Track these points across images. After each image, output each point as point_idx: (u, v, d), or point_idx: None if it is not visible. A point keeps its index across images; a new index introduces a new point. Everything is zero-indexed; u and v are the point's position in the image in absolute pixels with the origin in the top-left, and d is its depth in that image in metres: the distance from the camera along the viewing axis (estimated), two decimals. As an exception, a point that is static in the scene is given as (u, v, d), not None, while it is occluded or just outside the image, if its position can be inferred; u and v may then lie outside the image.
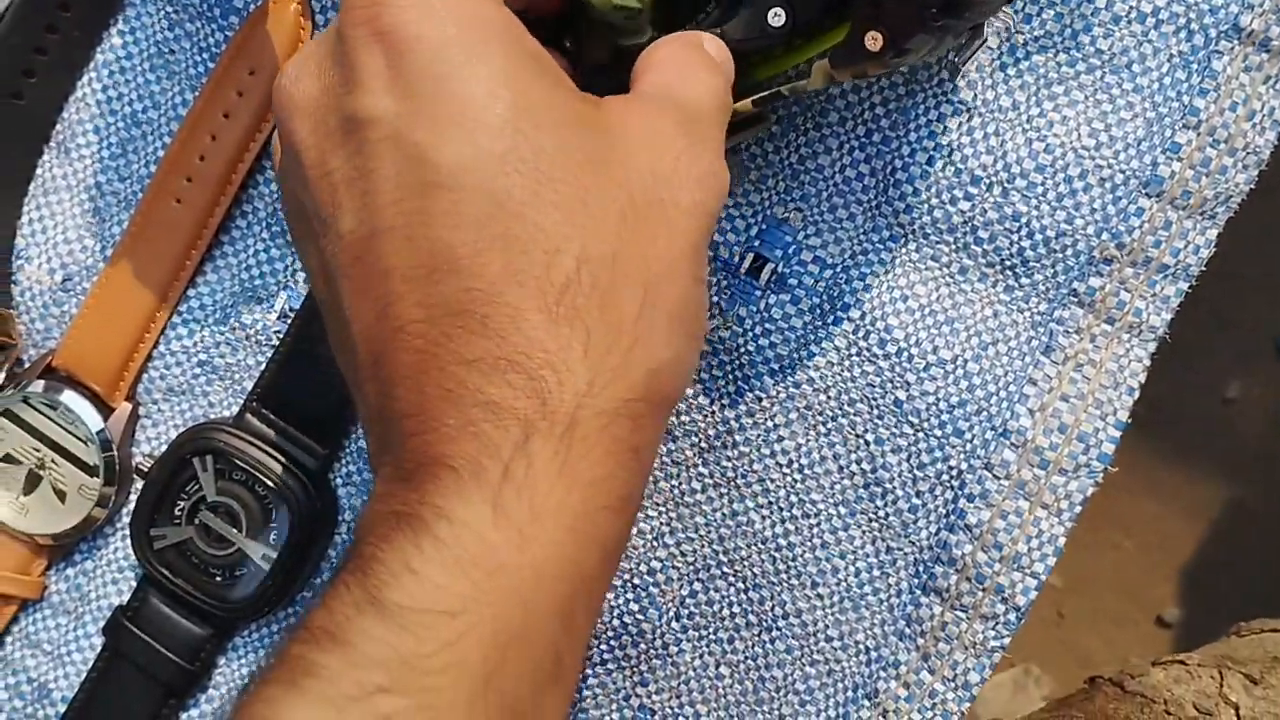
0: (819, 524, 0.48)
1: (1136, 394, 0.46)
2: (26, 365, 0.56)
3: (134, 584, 0.55)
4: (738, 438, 0.49)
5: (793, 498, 0.49)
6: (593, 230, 0.35)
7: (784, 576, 0.49)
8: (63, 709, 0.55)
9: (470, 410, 0.34)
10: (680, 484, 0.50)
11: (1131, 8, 0.45)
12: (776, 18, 0.41)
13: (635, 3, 0.40)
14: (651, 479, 0.50)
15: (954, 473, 0.47)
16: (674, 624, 0.50)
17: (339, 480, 0.54)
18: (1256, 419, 1.06)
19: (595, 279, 0.35)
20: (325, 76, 0.37)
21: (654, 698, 0.51)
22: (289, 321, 0.54)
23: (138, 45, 0.54)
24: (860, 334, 0.47)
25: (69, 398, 0.54)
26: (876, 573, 0.48)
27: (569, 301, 0.34)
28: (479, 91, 0.35)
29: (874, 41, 0.39)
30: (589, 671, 0.51)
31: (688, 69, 0.40)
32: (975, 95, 0.46)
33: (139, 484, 0.56)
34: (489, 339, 0.34)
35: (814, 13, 0.41)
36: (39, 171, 0.56)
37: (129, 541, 0.54)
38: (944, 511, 0.47)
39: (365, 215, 0.35)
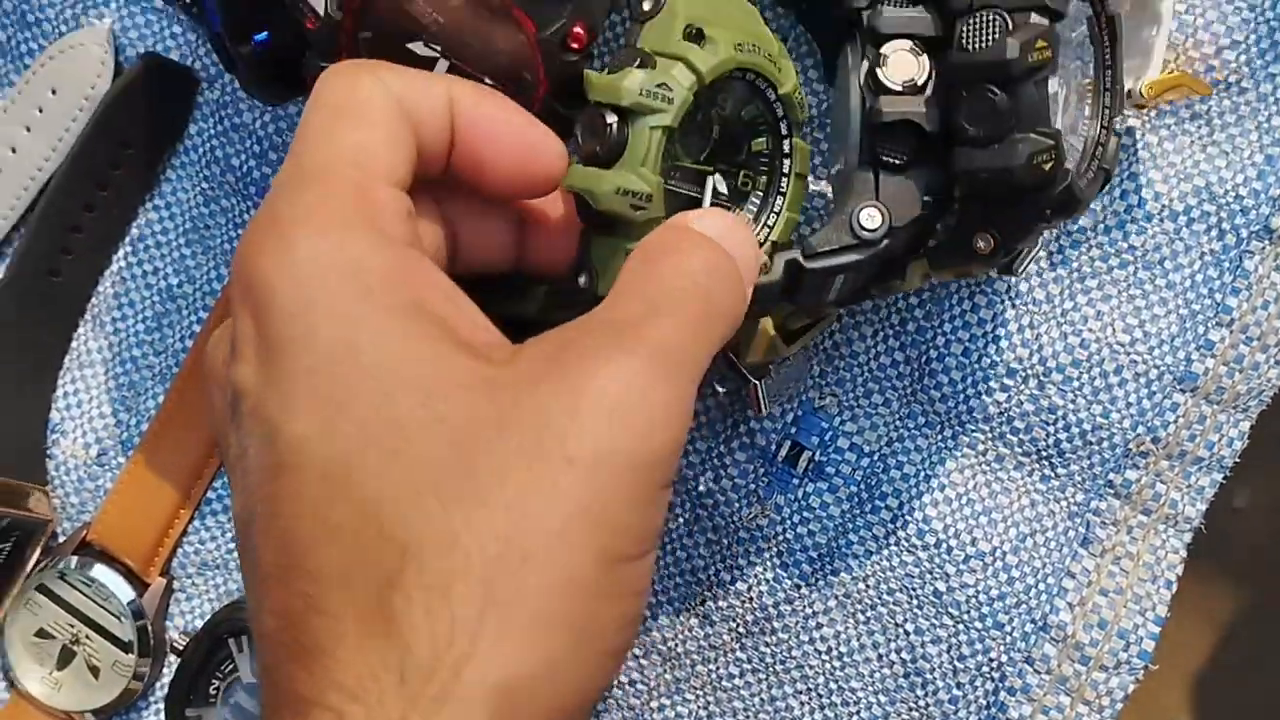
0: (858, 712, 0.49)
1: (1174, 587, 0.46)
2: (61, 540, 0.56)
3: (168, 760, 0.55)
4: (776, 624, 0.49)
5: (832, 685, 0.49)
6: (438, 506, 0.29)
7: (823, 760, 0.49)
8: None
9: None
10: (718, 668, 0.50)
11: (1164, 206, 0.45)
12: (871, 219, 0.38)
13: (644, 186, 0.35)
14: (689, 663, 0.50)
15: (994, 665, 0.47)
16: (712, 806, 0.50)
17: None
18: (1265, 527, 1.07)
19: (424, 571, 0.28)
20: (225, 343, 0.34)
21: None
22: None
23: (173, 220, 0.55)
24: (899, 523, 0.48)
25: (103, 573, 0.54)
26: (916, 758, 0.48)
27: (387, 608, 0.28)
28: (329, 354, 0.30)
29: (985, 244, 0.38)
30: None
31: (664, 259, 0.34)
32: (1010, 287, 0.47)
33: (172, 657, 0.56)
34: (309, 666, 0.29)
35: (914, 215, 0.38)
36: (74, 346, 0.56)
37: (164, 718, 0.54)
38: (985, 704, 0.47)
39: (243, 500, 0.32)
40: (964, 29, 0.36)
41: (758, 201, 0.39)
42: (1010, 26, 0.36)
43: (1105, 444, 0.46)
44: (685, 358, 0.31)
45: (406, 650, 0.28)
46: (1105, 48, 0.38)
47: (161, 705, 0.55)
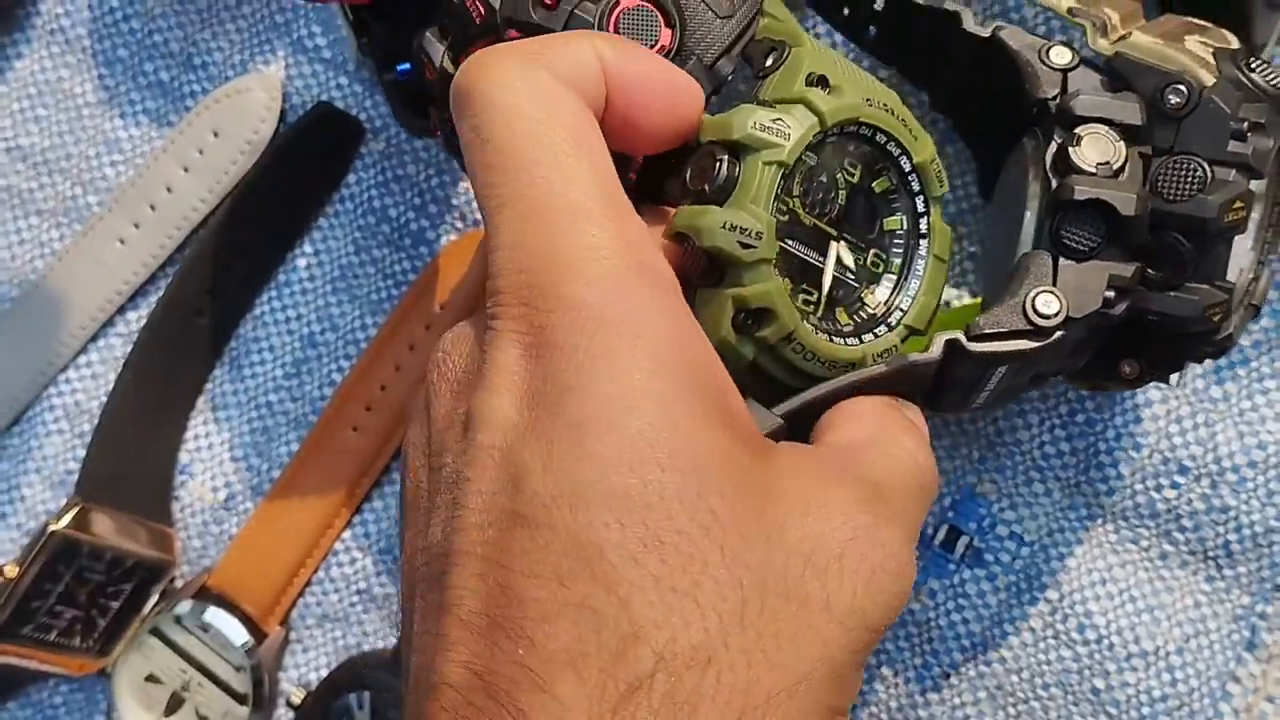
0: (1009, 811, 0.47)
1: (1343, 698, 0.45)
2: (181, 584, 0.55)
3: (273, 818, 0.53)
4: (922, 713, 0.48)
5: (980, 780, 0.47)
6: (694, 618, 0.27)
7: None
8: None
9: None
10: (861, 756, 0.49)
11: (1351, 313, 0.45)
12: (1048, 305, 0.35)
13: (754, 222, 0.32)
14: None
15: (1156, 769, 0.45)
16: None
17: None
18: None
19: (673, 688, 0.27)
20: (467, 358, 0.32)
21: None
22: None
23: (322, 267, 0.55)
24: (1058, 616, 0.47)
25: (222, 620, 0.53)
26: None
27: (625, 713, 0.27)
28: (607, 414, 0.28)
29: (1131, 370, 0.37)
30: None
31: (886, 431, 0.33)
32: (1184, 382, 0.46)
33: (282, 710, 0.54)
34: None
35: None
36: (209, 387, 0.56)
37: (272, 773, 0.53)
38: (1145, 809, 0.45)
39: (450, 530, 0.30)
40: (1163, 172, 0.36)
41: (891, 283, 0.37)
42: (1210, 178, 0.35)
43: (1276, 548, 0.45)
44: (914, 535, 0.32)
45: None
46: (1279, 188, 0.38)
47: (269, 761, 0.54)
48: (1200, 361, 0.37)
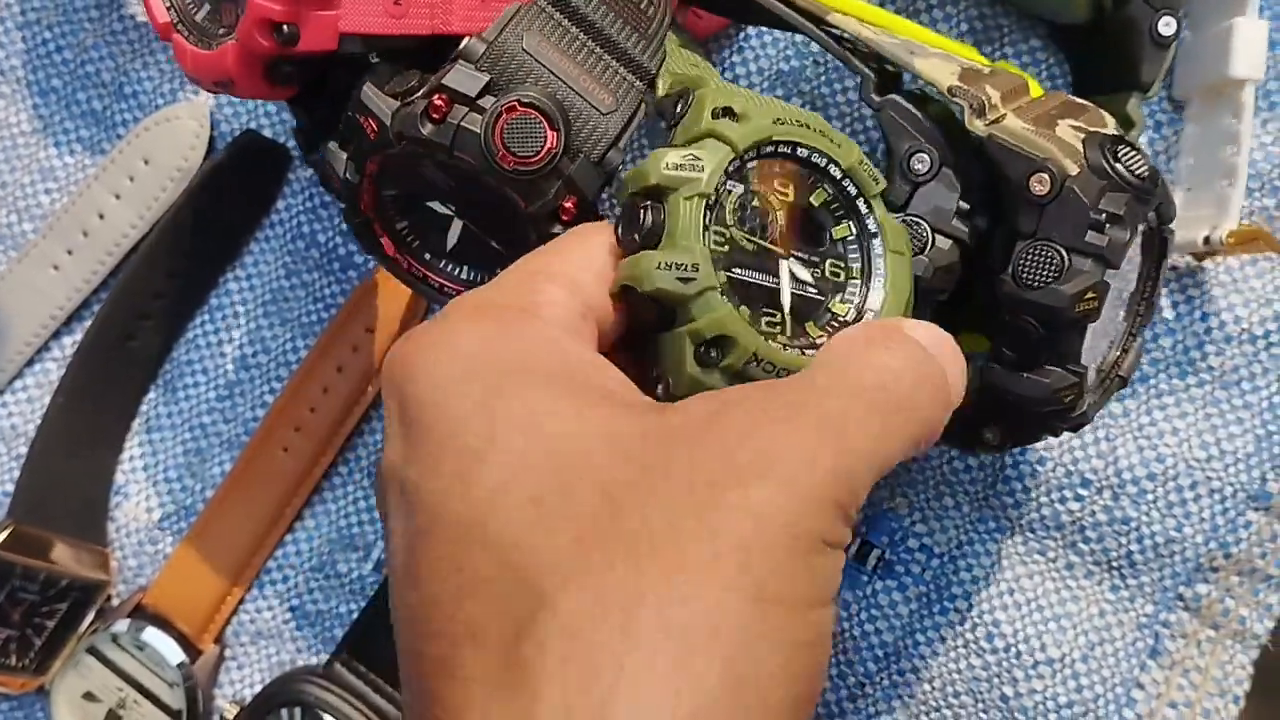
0: (921, 816, 0.48)
1: (1241, 703, 0.47)
2: (116, 603, 0.55)
3: (208, 833, 0.54)
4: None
5: (894, 787, 0.49)
6: (578, 550, 0.28)
7: None
8: None
9: None
10: (779, 765, 0.50)
11: (1244, 329, 0.46)
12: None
13: (687, 256, 0.33)
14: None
15: (1061, 774, 0.47)
16: None
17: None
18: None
19: (558, 614, 0.27)
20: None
21: None
22: (384, 572, 0.54)
23: (253, 291, 0.56)
24: (967, 625, 0.48)
25: (156, 638, 0.54)
26: None
27: (516, 658, 0.27)
28: (465, 417, 0.30)
29: (993, 437, 0.39)
30: None
31: (864, 350, 0.33)
32: (1085, 399, 0.48)
33: (217, 726, 0.55)
34: None
35: None
36: (143, 409, 0.57)
37: (207, 789, 0.54)
38: (1050, 813, 0.47)
39: (392, 584, 0.31)
40: (1022, 259, 0.36)
41: (855, 288, 0.37)
42: (1066, 265, 0.36)
43: (1177, 557, 0.47)
44: (865, 444, 0.30)
45: (534, 698, 0.26)
46: (1153, 263, 0.39)
47: (205, 776, 0.54)
48: (1057, 435, 0.39)
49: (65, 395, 0.55)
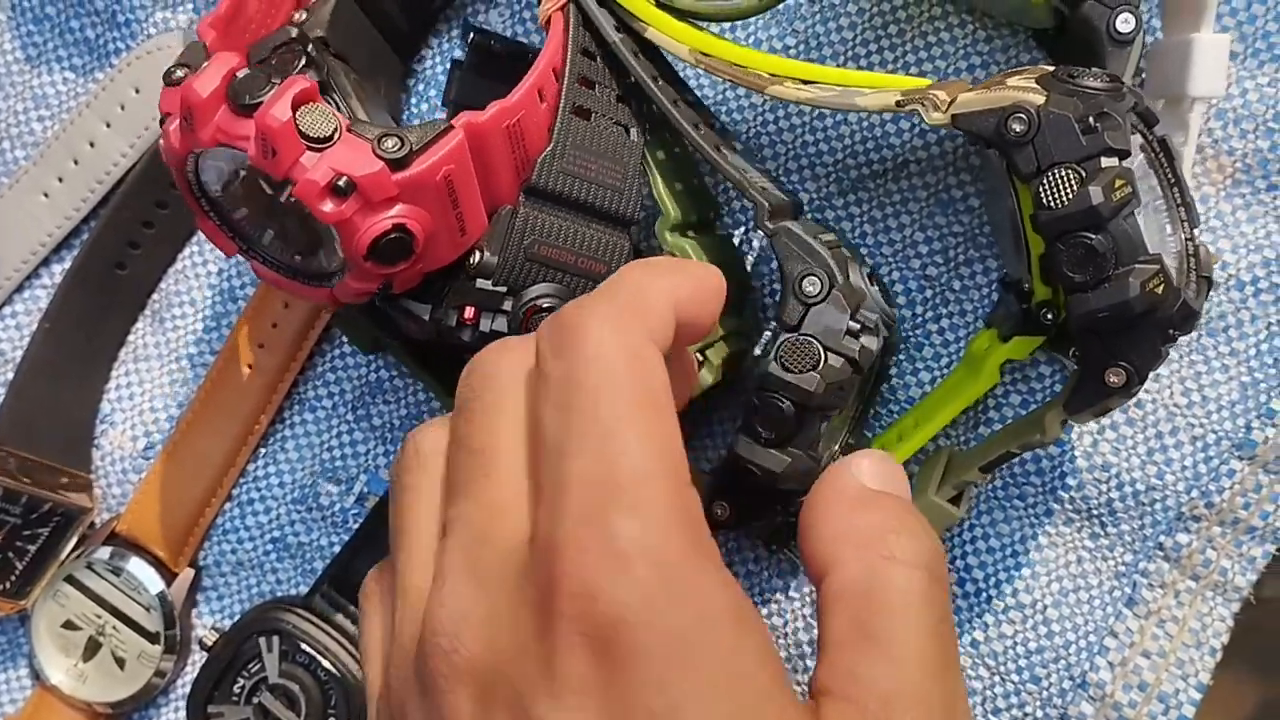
0: (889, 760, 0.48)
1: (1219, 655, 0.46)
2: (97, 530, 0.56)
3: (185, 759, 0.54)
4: (810, 663, 0.49)
5: (863, 731, 0.48)
6: None
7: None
8: None
9: None
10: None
11: (1232, 275, 0.45)
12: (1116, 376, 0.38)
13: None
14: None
15: (1030, 721, 0.46)
16: None
17: (401, 670, 0.53)
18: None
19: None
20: (505, 645, 0.29)
21: None
22: (365, 505, 0.54)
23: (241, 223, 0.56)
24: (942, 571, 0.47)
25: (132, 563, 0.54)
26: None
27: None
28: None
29: (1118, 378, 0.38)
30: None
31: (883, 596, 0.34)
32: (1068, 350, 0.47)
33: (197, 654, 0.56)
34: None
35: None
36: (131, 338, 0.57)
37: (184, 715, 0.54)
38: (1019, 760, 0.46)
39: None
40: (1041, 190, 0.37)
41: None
42: (1085, 175, 0.36)
43: (1158, 505, 0.46)
44: None
45: None
46: (1164, 168, 0.39)
47: (182, 703, 0.55)
48: (1173, 340, 0.39)
49: (53, 321, 0.55)
